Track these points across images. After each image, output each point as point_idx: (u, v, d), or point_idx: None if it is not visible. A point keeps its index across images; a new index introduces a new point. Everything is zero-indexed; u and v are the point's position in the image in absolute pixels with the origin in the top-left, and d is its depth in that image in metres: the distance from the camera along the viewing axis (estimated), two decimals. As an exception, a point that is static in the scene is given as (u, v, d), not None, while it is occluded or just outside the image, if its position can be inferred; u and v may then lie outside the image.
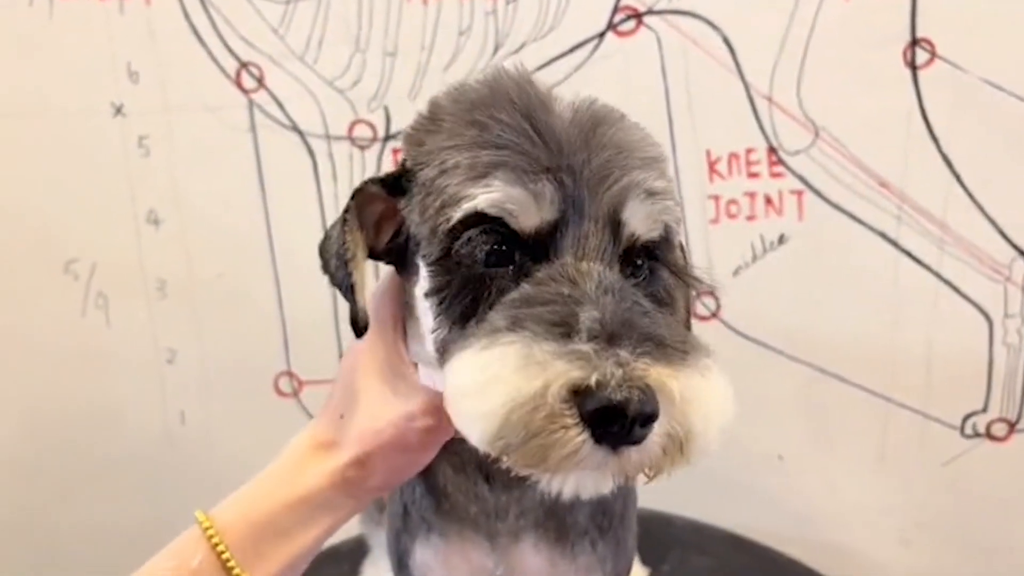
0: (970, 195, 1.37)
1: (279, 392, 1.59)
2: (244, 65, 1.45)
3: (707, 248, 1.46)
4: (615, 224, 0.66)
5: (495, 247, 0.65)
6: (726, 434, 0.62)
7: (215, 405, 1.61)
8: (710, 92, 1.40)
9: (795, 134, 1.39)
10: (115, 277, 1.55)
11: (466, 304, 0.65)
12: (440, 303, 0.67)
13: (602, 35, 1.39)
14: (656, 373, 0.57)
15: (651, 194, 0.67)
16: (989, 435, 1.46)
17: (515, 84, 0.69)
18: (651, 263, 0.70)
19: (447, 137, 0.68)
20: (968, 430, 1.47)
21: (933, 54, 1.33)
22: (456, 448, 0.79)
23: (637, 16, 1.38)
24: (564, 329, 0.58)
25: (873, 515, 1.55)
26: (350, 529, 1.07)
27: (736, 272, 1.47)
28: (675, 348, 0.60)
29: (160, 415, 1.62)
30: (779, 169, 1.41)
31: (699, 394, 0.59)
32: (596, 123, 0.68)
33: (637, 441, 0.57)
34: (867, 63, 1.35)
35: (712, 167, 1.43)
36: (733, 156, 1.42)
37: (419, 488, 0.84)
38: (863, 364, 1.48)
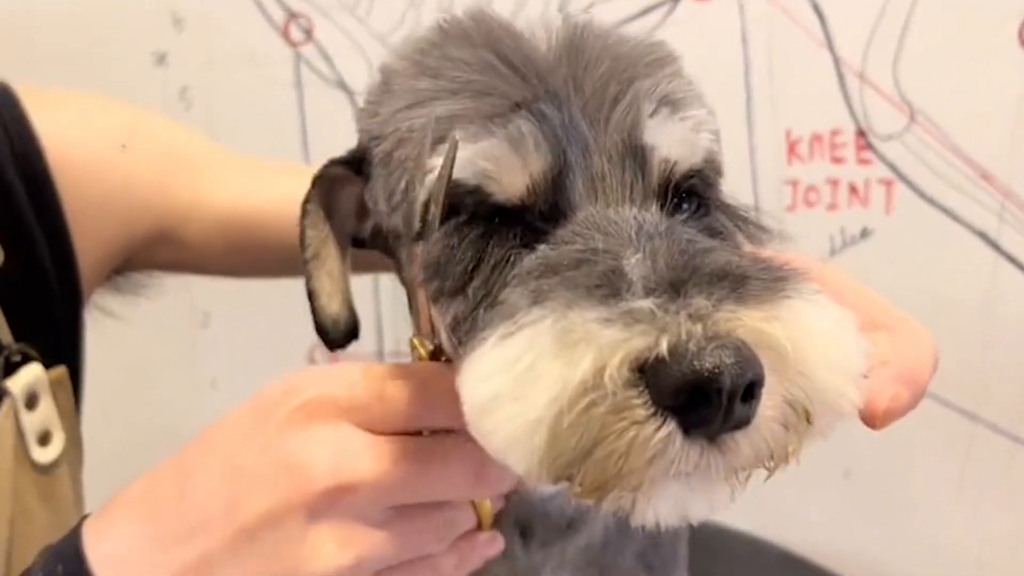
0: (1086, 195, 1.22)
1: (313, 363, 1.53)
2: (293, 16, 1.37)
3: (781, 238, 1.34)
4: (637, 151, 0.49)
5: (485, 220, 0.50)
6: (874, 415, 0.48)
7: (247, 373, 1.56)
8: (795, 66, 1.28)
9: (888, 117, 1.27)
10: (151, 235, 1.51)
11: (473, 294, 0.50)
12: (438, 299, 0.52)
13: (677, -2, 1.29)
14: (749, 319, 0.42)
15: (674, 105, 0.51)
16: (1088, 466, 1.32)
17: (471, 17, 0.55)
18: (699, 200, 0.54)
19: (399, 98, 0.54)
20: (1064, 458, 1.32)
21: (1054, 33, 1.19)
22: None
23: (719, -22, 1.27)
24: (607, 289, 0.43)
25: (947, 544, 1.43)
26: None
27: (811, 267, 1.34)
28: (763, 279, 0.44)
29: (191, 380, 1.57)
30: (867, 155, 1.29)
31: (816, 334, 0.43)
32: (580, 36, 0.52)
33: (743, 423, 0.41)
34: (975, 41, 1.22)
35: (792, 149, 1.31)
36: (816, 138, 1.30)
37: None
38: (949, 377, 1.34)
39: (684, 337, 0.40)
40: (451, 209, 0.50)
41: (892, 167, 1.28)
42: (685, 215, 0.53)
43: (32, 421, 0.79)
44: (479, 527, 0.57)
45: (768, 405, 0.42)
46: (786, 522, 1.42)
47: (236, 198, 0.89)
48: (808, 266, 0.56)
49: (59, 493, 0.83)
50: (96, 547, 0.52)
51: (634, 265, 0.44)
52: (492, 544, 0.58)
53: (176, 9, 1.40)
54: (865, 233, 1.32)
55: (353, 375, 0.52)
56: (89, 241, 0.84)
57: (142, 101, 1.41)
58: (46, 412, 0.81)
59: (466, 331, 0.49)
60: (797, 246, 1.33)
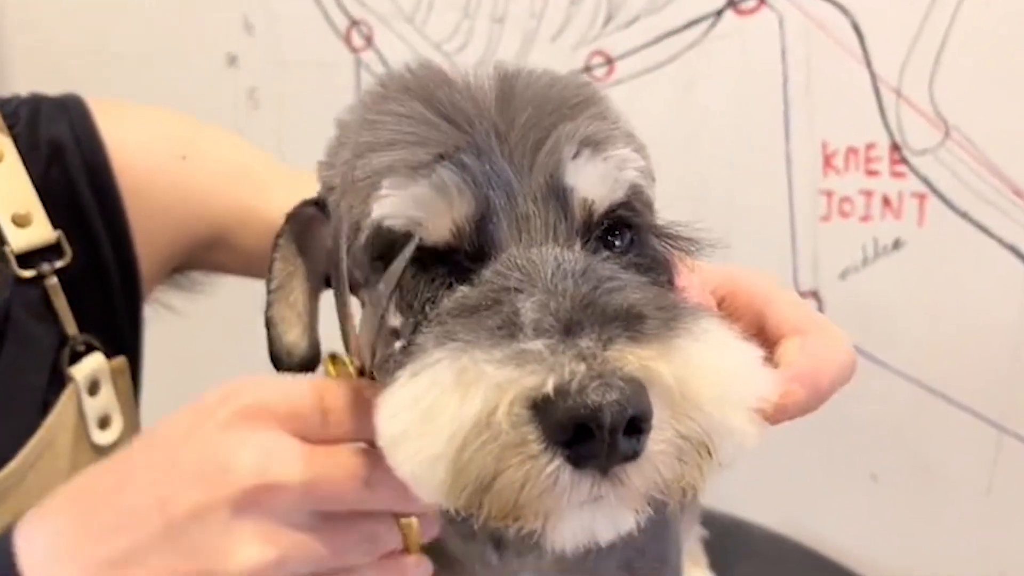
0: (1118, 214, 1.24)
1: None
2: (355, 23, 1.45)
3: (815, 246, 1.38)
4: (559, 193, 0.52)
5: (417, 262, 0.52)
6: (764, 411, 0.48)
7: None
8: (832, 81, 1.31)
9: (923, 132, 1.29)
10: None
11: (398, 332, 0.53)
12: (373, 339, 0.55)
13: (720, 13, 1.33)
14: (635, 357, 0.44)
15: (596, 145, 0.53)
16: (1114, 480, 1.33)
17: (411, 71, 0.57)
18: (630, 231, 0.56)
19: (347, 150, 0.57)
20: (1090, 471, 1.34)
21: (1090, 53, 1.20)
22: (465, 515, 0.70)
23: (760, -6, 1.31)
24: (506, 330, 0.45)
25: (972, 551, 1.44)
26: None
27: (844, 275, 1.38)
28: (657, 318, 0.46)
29: (249, 365, 1.65)
30: (901, 168, 1.31)
31: (705, 367, 0.45)
32: (509, 84, 0.55)
33: (631, 456, 0.43)
34: (1012, 59, 1.23)
35: (827, 161, 1.34)
36: (851, 151, 1.33)
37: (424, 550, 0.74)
38: (977, 387, 1.37)
39: (568, 377, 0.42)
40: (387, 255, 0.53)
41: (925, 181, 1.30)
42: (614, 248, 0.55)
43: (94, 406, 0.85)
44: (407, 551, 0.58)
45: (658, 439, 0.44)
46: (812, 523, 1.45)
47: (289, 209, 0.94)
48: (741, 277, 0.61)
49: None
50: (28, 541, 0.53)
51: (532, 307, 0.46)
52: (419, 568, 0.59)
53: (248, 14, 1.49)
54: (898, 244, 1.34)
55: (293, 386, 0.54)
56: (149, 242, 0.89)
57: (214, 99, 1.52)
58: (107, 398, 0.87)
59: (386, 369, 0.52)
60: (828, 254, 1.37)
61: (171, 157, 0.90)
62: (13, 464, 0.77)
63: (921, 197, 1.31)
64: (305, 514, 0.52)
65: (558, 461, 0.43)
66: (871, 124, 1.31)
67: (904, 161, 1.31)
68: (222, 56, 1.51)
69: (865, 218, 1.35)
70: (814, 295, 1.39)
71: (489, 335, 0.45)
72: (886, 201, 1.33)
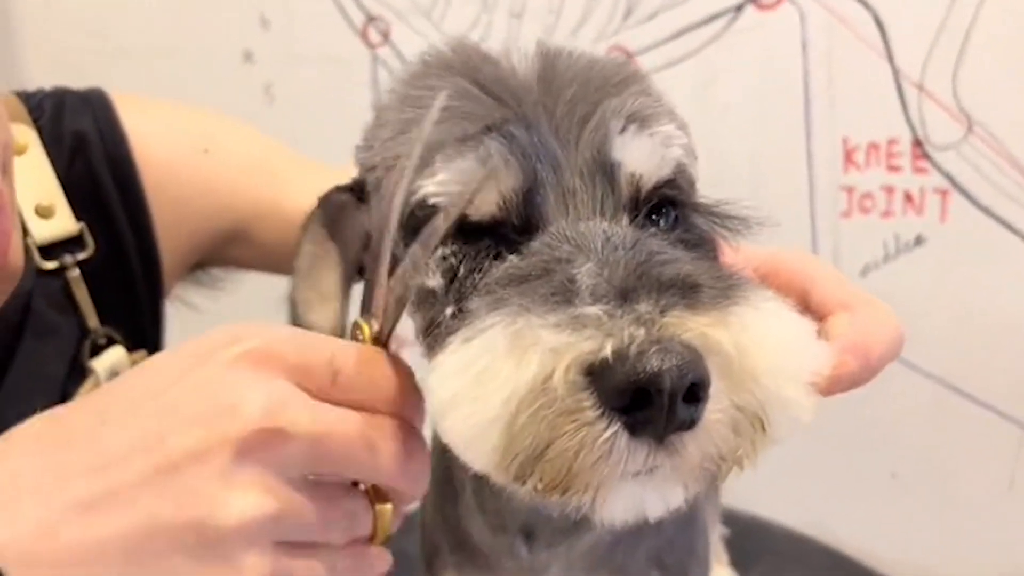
0: None
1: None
2: (371, 19, 1.44)
3: (835, 242, 1.37)
4: (606, 168, 0.51)
5: (462, 234, 0.52)
6: (818, 383, 0.46)
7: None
8: (854, 76, 1.30)
9: (945, 127, 1.28)
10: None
11: (444, 302, 0.52)
12: (418, 307, 0.54)
13: (741, 7, 1.32)
14: (695, 325, 0.43)
15: (642, 121, 0.52)
16: None
17: (451, 48, 0.57)
18: (675, 209, 0.55)
19: (388, 129, 0.57)
20: (1113, 469, 1.33)
21: (1116, 48, 1.19)
22: (496, 507, 0.67)
23: (781, -12, 1.30)
24: (561, 296, 0.45)
25: (993, 549, 1.43)
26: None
27: (864, 271, 1.37)
28: (714, 287, 0.45)
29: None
30: (923, 164, 1.30)
31: (762, 338, 0.44)
32: (551, 62, 0.54)
33: (688, 424, 0.42)
34: (1036, 54, 1.23)
35: (848, 156, 1.33)
36: (872, 146, 1.32)
37: (449, 540, 0.72)
38: (999, 385, 1.36)
39: (627, 341, 0.41)
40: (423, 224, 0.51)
41: (948, 177, 1.29)
42: (660, 227, 0.54)
43: None
44: (372, 539, 0.55)
45: (715, 409, 0.43)
46: (832, 522, 1.44)
47: (308, 202, 0.93)
48: (783, 257, 0.60)
49: None
50: None
51: (587, 273, 0.45)
52: (382, 559, 0.55)
53: (264, 10, 1.48)
54: (919, 240, 1.33)
55: (305, 338, 0.49)
56: (171, 235, 0.89)
57: (230, 95, 1.51)
58: None
59: (435, 336, 0.51)
60: (849, 251, 1.36)
61: (193, 150, 0.90)
62: None
63: (943, 193, 1.30)
64: (303, 474, 0.48)
65: (615, 427, 0.42)
66: (893, 119, 1.30)
67: (926, 156, 1.30)
68: (238, 52, 1.50)
69: (886, 214, 1.34)
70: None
71: (544, 301, 0.45)
72: (908, 197, 1.32)
